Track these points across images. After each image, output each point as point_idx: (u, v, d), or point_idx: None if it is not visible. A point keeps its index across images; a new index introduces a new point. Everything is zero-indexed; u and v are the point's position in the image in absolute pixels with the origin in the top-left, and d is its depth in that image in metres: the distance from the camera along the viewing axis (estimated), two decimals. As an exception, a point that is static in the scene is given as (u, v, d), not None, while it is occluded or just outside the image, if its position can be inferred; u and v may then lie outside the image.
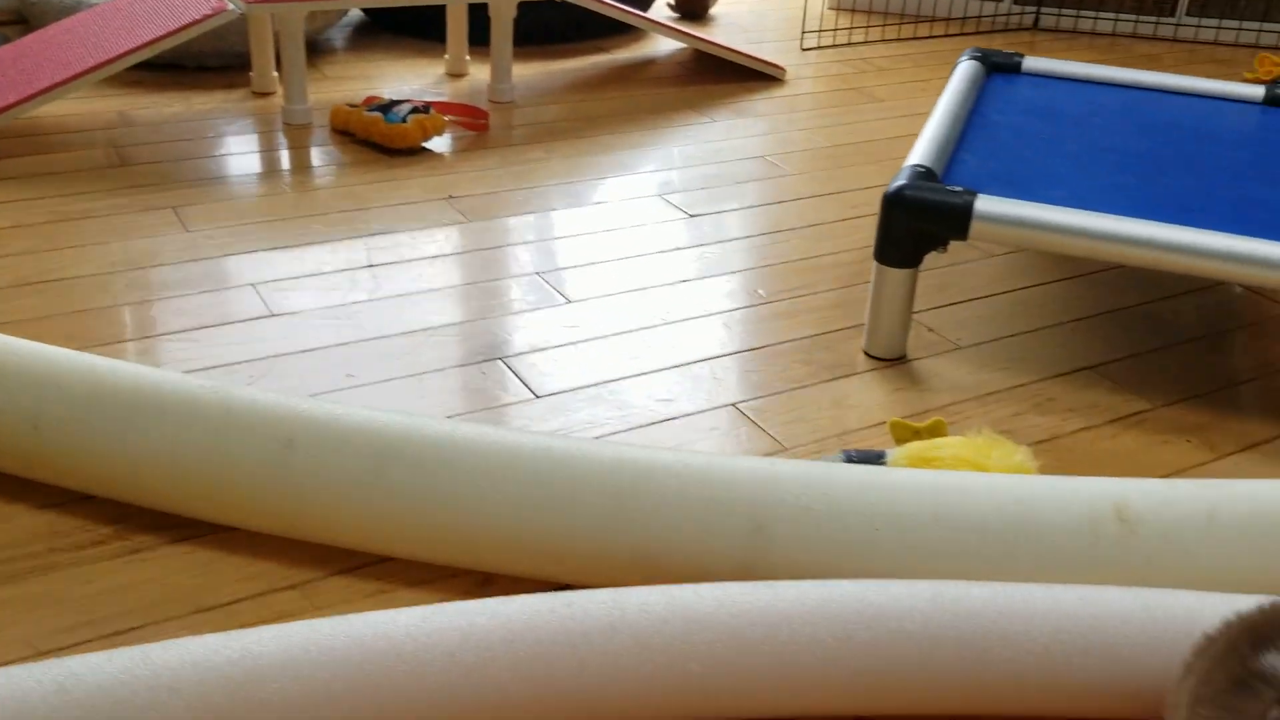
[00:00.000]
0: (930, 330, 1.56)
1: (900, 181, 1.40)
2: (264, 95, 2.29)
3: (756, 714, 0.91)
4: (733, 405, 1.36)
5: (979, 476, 1.03)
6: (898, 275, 1.42)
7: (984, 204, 1.36)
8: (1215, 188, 1.50)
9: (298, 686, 0.81)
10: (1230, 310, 1.67)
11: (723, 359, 1.46)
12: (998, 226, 1.36)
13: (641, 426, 1.30)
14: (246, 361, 1.38)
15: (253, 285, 1.56)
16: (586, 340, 1.47)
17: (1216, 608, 0.90)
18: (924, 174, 1.43)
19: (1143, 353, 1.53)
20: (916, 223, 1.39)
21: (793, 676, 0.88)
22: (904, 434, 1.19)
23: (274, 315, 1.49)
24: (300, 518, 1.04)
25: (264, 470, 1.03)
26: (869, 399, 1.39)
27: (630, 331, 1.50)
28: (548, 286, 1.61)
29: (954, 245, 1.81)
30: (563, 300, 1.57)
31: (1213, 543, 0.99)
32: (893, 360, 1.48)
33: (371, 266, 1.62)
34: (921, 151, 1.51)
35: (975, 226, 1.36)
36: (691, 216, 1.87)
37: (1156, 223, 1.33)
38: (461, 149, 2.08)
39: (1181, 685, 0.83)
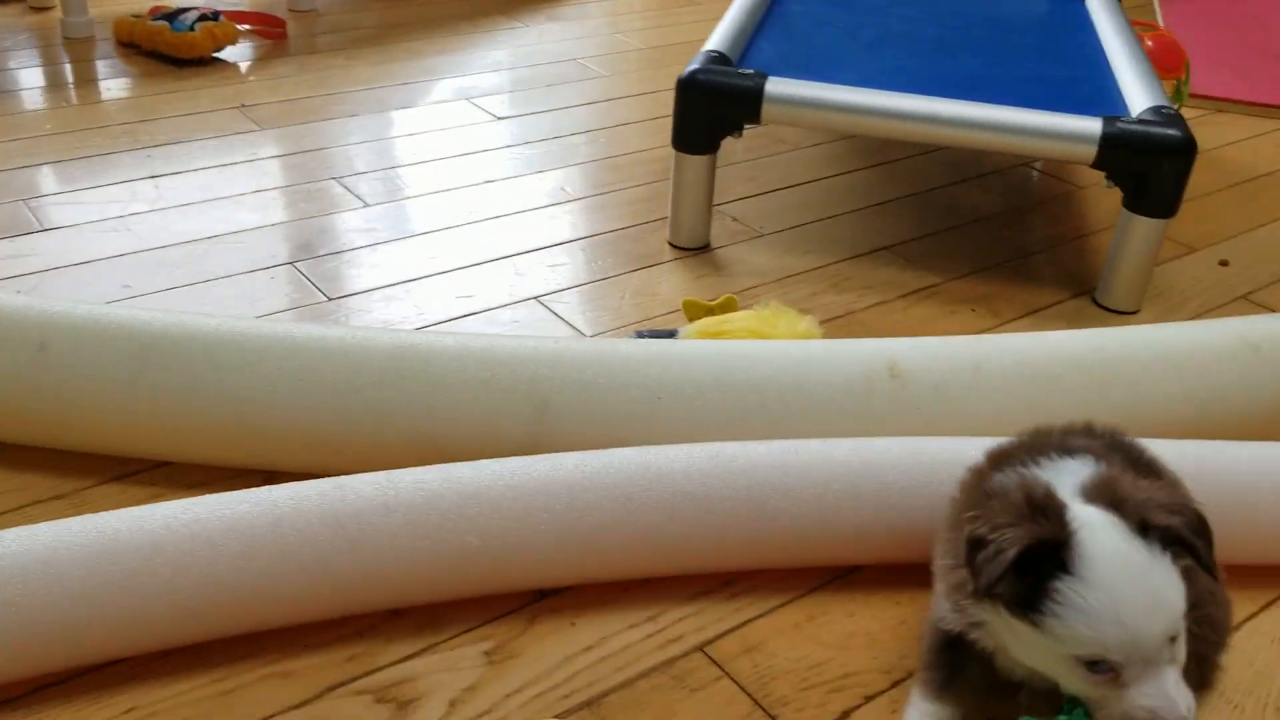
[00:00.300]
0: (735, 220, 1.57)
1: (694, 66, 1.40)
2: (41, 10, 2.14)
3: (542, 584, 0.91)
4: (535, 299, 1.34)
5: (760, 343, 1.05)
6: (696, 162, 1.42)
7: (774, 86, 1.36)
8: (1001, 67, 1.54)
9: (45, 587, 0.77)
10: (1024, 190, 1.73)
11: (526, 255, 1.44)
12: (788, 108, 1.36)
13: (439, 323, 1.28)
14: (15, 277, 1.29)
15: (23, 200, 1.46)
16: (385, 242, 1.43)
17: (982, 450, 0.94)
18: (717, 59, 1.42)
19: (937, 232, 1.57)
20: (710, 106, 1.38)
21: (574, 542, 0.88)
22: (696, 311, 1.19)
23: (46, 230, 1.39)
24: (60, 424, 0.99)
25: (16, 376, 0.97)
26: (672, 287, 1.39)
27: (431, 232, 1.47)
28: (345, 191, 1.55)
29: (760, 139, 1.82)
30: (360, 204, 1.52)
31: (979, 392, 1.03)
32: (697, 249, 1.48)
33: (154, 177, 1.54)
34: (717, 38, 1.50)
35: (767, 109, 1.36)
36: (500, 119, 1.83)
37: (939, 98, 1.36)
38: (257, 58, 1.99)
39: (944, 519, 0.86)
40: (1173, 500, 0.71)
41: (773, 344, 1.04)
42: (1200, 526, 0.70)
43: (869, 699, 0.85)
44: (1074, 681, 0.71)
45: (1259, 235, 1.62)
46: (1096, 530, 0.69)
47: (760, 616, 0.92)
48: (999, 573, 0.68)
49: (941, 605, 0.81)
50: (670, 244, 1.49)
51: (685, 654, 0.88)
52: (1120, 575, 0.68)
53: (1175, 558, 0.70)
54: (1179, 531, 0.69)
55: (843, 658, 0.89)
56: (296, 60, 1.99)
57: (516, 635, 0.88)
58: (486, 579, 0.88)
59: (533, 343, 1.01)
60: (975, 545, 0.70)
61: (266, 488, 0.85)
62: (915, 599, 0.94)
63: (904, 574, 0.95)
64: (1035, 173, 1.81)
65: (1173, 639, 0.68)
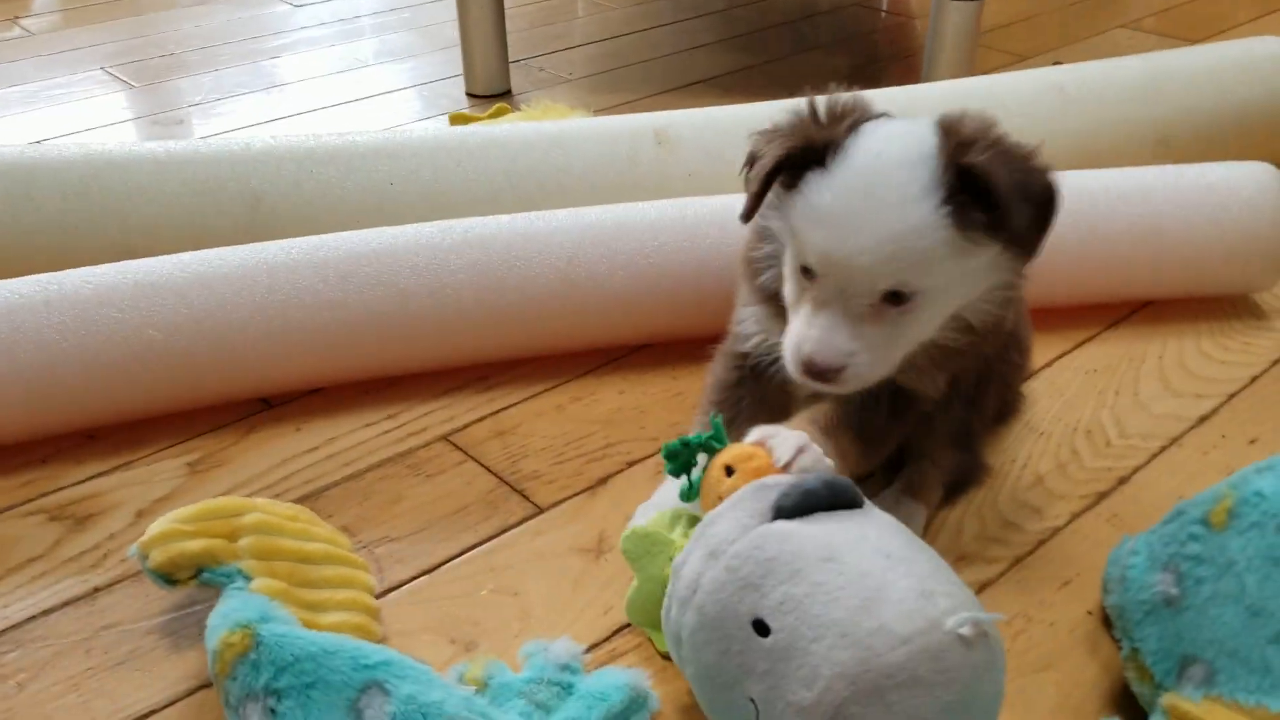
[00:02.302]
0: (541, 70, 1.46)
1: (462, -110, 1.29)
2: None
3: (259, 389, 0.80)
4: (308, 151, 1.22)
5: (508, 126, 0.94)
6: (479, -5, 1.31)
7: (549, -100, 1.26)
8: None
9: None
10: (856, 26, 1.64)
11: (296, 118, 1.31)
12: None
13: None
14: None
15: None
16: (146, 115, 1.31)
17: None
18: (490, -117, 1.31)
19: (758, 64, 1.48)
20: (481, -71, 1.28)
21: (283, 332, 0.76)
22: (461, 122, 1.08)
23: None
24: None
25: None
26: (464, 131, 1.28)
27: (194, 105, 1.34)
28: (110, 78, 1.42)
29: (584, 3, 1.71)
30: (125, 86, 1.39)
31: (757, 152, 0.93)
32: (495, 96, 1.37)
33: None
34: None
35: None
36: (297, 7, 1.71)
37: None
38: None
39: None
40: (1029, 161, 0.57)
41: (524, 125, 0.94)
42: (1040, 195, 0.57)
43: (632, 464, 0.75)
44: (791, 293, 0.61)
45: (1091, 42, 1.55)
46: (881, 138, 0.57)
47: (518, 404, 0.81)
48: (759, 185, 0.59)
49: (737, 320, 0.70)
50: (468, 94, 1.37)
51: (426, 444, 0.77)
52: (858, 183, 0.56)
53: (966, 221, 0.56)
54: (989, 176, 0.54)
55: (606, 431, 0.78)
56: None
57: (229, 445, 0.77)
58: (186, 384, 0.76)
59: (243, 140, 0.90)
60: (748, 162, 0.62)
61: (-98, 295, 0.73)
62: (694, 372, 0.84)
63: (683, 350, 0.85)
64: (884, 12, 1.72)
65: (894, 296, 0.57)
